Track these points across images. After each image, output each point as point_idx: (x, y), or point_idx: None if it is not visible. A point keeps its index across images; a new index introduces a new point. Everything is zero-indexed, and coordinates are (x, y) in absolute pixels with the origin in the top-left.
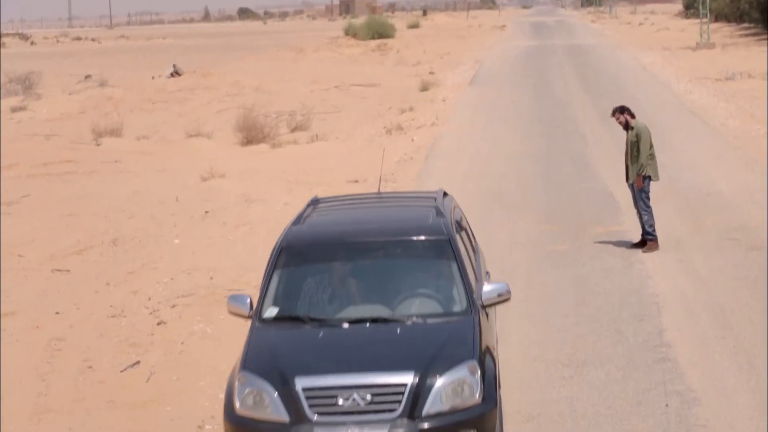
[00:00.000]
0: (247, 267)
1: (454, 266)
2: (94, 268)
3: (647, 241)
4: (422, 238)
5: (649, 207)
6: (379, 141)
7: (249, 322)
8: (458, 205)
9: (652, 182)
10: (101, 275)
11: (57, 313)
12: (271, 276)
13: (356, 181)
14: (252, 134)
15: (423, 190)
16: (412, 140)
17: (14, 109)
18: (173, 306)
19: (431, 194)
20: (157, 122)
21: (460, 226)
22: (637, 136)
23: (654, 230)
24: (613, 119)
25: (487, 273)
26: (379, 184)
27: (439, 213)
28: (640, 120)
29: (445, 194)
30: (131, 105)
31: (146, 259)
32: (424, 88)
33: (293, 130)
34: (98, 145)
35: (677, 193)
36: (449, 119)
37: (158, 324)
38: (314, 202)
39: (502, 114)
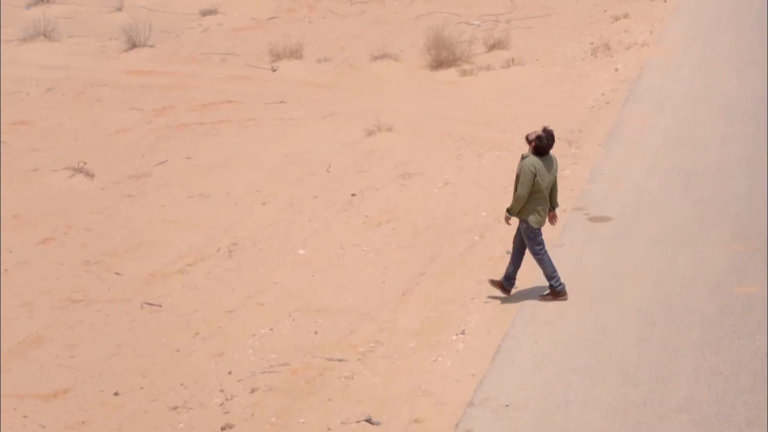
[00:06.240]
0: (364, 311)
1: None
2: (192, 298)
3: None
4: None
5: (540, 254)
6: (581, 66)
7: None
8: None
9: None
10: (195, 314)
11: (116, 394)
12: None
13: None
14: (442, 56)
15: None
16: (616, 70)
17: (204, 12)
18: (252, 391)
19: None
20: (346, 34)
21: None
22: (517, 174)
23: (556, 281)
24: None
25: None
26: None
27: None
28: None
29: None
30: (328, 5)
31: (257, 285)
32: None
33: (491, 48)
34: (274, 70)
35: None
36: (664, 33)
37: (222, 430)
38: None
39: (723, 25)
